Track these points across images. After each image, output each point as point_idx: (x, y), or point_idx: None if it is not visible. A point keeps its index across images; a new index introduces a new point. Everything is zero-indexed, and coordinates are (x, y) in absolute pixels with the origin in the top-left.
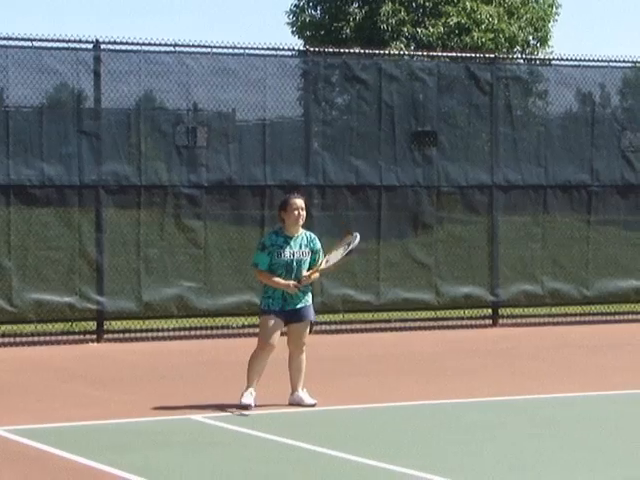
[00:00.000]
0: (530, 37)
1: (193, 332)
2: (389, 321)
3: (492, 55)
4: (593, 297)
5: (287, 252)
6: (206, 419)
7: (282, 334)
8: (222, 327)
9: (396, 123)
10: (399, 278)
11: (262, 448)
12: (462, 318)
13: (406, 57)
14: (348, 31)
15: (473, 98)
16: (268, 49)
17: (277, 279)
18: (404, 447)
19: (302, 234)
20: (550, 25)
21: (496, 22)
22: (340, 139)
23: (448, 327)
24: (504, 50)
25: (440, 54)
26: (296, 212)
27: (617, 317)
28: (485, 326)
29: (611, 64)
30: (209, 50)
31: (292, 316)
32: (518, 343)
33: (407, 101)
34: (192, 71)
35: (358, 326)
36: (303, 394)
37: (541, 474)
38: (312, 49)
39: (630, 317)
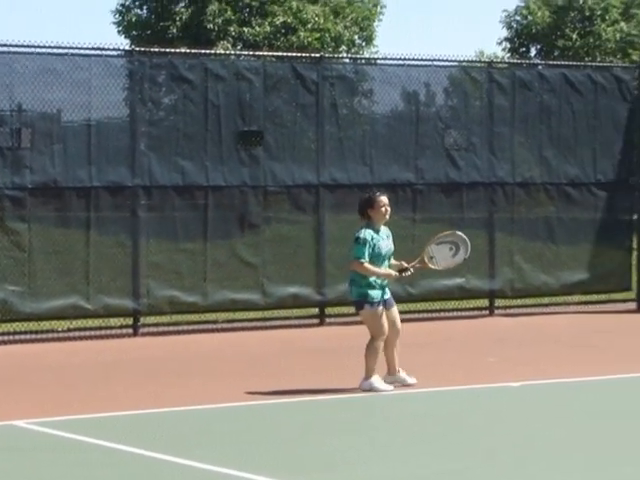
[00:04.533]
0: (355, 36)
1: (17, 336)
2: (216, 322)
3: (318, 54)
4: (418, 295)
5: (382, 244)
6: (29, 425)
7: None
8: (47, 331)
9: (222, 123)
10: (226, 279)
11: (84, 452)
12: (289, 318)
13: (232, 57)
14: (175, 31)
15: (299, 97)
16: (93, 49)
17: (383, 270)
18: (224, 448)
19: (383, 228)
20: (375, 25)
21: (322, 22)
22: (166, 139)
23: (275, 327)
24: (330, 49)
25: (266, 54)
26: (383, 208)
27: (442, 314)
28: (312, 325)
29: (435, 63)
30: (33, 50)
31: (387, 304)
32: (345, 342)
33: (233, 101)
34: (15, 71)
35: (185, 327)
36: (404, 375)
37: (353, 472)
38: (138, 49)
39: (454, 314)
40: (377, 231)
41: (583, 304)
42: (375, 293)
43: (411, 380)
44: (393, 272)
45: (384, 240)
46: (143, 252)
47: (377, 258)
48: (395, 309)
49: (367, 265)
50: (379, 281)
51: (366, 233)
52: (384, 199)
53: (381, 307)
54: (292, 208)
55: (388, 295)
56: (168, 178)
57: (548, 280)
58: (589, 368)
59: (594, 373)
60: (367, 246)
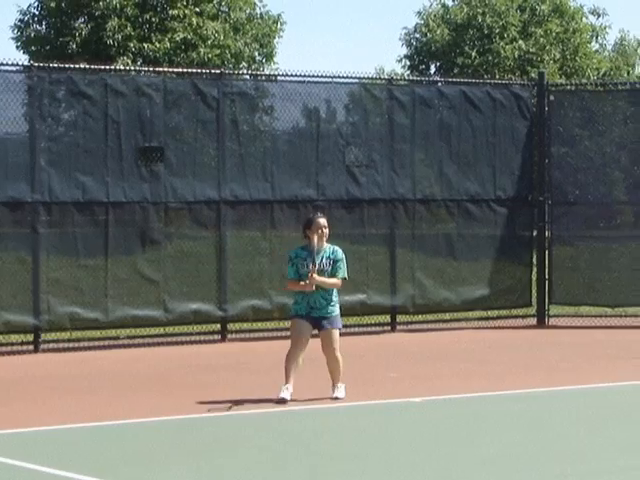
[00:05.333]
0: (256, 53)
1: None
2: (118, 338)
3: (218, 71)
4: None
5: (305, 264)
6: None
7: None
8: None
9: (123, 139)
10: (127, 295)
11: None
12: (191, 334)
13: (132, 72)
14: (74, 46)
15: (200, 114)
16: None
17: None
18: (127, 465)
19: (326, 247)
20: (275, 41)
21: (222, 38)
22: (66, 155)
23: (177, 343)
24: (230, 66)
25: (166, 70)
26: (319, 230)
27: (344, 330)
28: (214, 341)
29: (336, 80)
30: None
31: (319, 323)
32: (247, 358)
33: (134, 117)
34: None
35: (86, 344)
36: (336, 389)
37: None
38: (37, 64)
39: (356, 330)
40: (310, 252)
41: (484, 320)
42: (296, 307)
43: (336, 393)
44: (302, 282)
45: (304, 261)
46: (43, 268)
47: (304, 277)
48: (330, 331)
49: (290, 281)
50: (305, 299)
51: (291, 252)
52: (320, 221)
53: (299, 320)
54: (193, 224)
55: (326, 315)
56: (68, 194)
57: (449, 296)
58: (490, 383)
59: (494, 388)
60: (290, 264)
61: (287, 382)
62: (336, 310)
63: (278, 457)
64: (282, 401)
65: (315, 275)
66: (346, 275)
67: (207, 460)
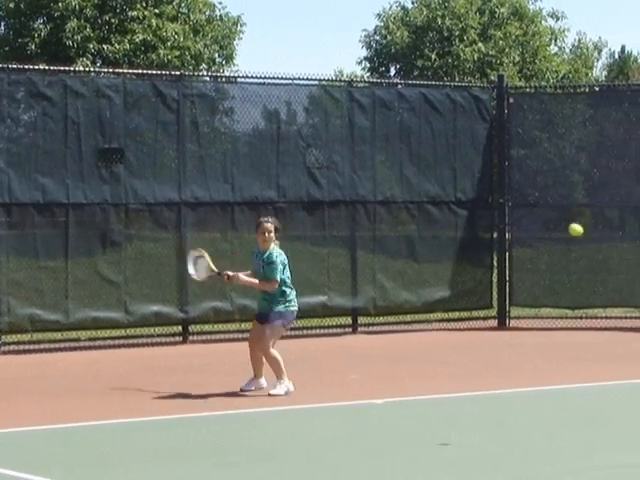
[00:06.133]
0: (216, 55)
1: None
2: (78, 340)
3: (178, 72)
4: None
5: (255, 264)
6: None
7: None
8: None
9: (83, 140)
10: (88, 297)
11: None
12: (152, 336)
13: (92, 74)
14: (33, 47)
15: (160, 115)
16: None
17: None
18: (85, 467)
19: (270, 249)
20: (235, 43)
21: (182, 39)
22: (26, 157)
23: (138, 345)
24: (190, 67)
25: (126, 71)
26: (264, 234)
27: (305, 332)
28: (175, 343)
29: (296, 82)
30: None
31: (261, 320)
32: (209, 359)
33: (93, 118)
34: None
35: (47, 345)
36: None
37: None
38: None
39: (317, 332)
40: (257, 255)
41: (445, 321)
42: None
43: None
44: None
45: (254, 261)
46: (3, 270)
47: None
48: (262, 328)
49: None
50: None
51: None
52: (266, 226)
53: (254, 321)
54: (154, 226)
55: (262, 312)
56: (28, 195)
57: (410, 298)
58: (450, 384)
59: (455, 390)
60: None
61: (255, 376)
62: (276, 307)
63: (235, 459)
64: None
65: (236, 274)
66: (277, 277)
67: (170, 462)
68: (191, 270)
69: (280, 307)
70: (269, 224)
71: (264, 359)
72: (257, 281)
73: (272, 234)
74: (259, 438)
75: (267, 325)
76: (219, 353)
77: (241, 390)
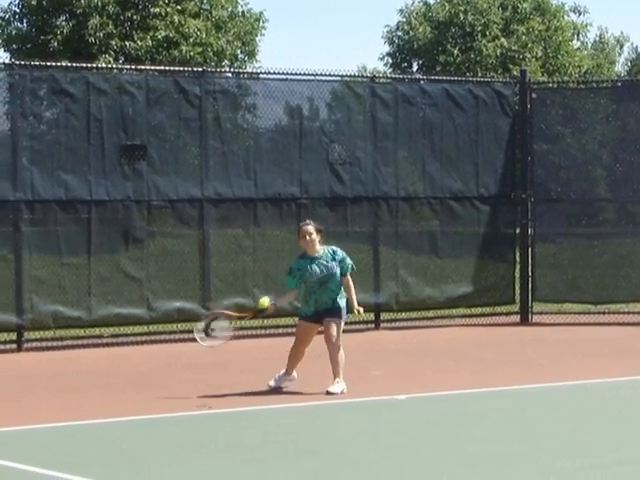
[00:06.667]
0: (238, 51)
1: None
2: (101, 337)
3: (200, 69)
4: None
5: (314, 271)
6: None
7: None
8: None
9: (105, 137)
10: (110, 293)
11: None
12: (175, 332)
13: (114, 70)
14: (56, 44)
15: (182, 112)
16: None
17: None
18: (112, 464)
19: (324, 251)
20: (258, 39)
21: (204, 36)
22: (49, 153)
23: (161, 341)
24: (212, 64)
25: (149, 67)
26: (306, 237)
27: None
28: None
29: (318, 78)
30: None
31: (323, 317)
32: (232, 356)
33: (116, 115)
34: None
35: (70, 342)
36: (334, 383)
37: None
38: (18, 62)
39: None
40: (312, 259)
41: (467, 317)
42: (305, 309)
43: (332, 389)
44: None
45: (320, 266)
46: (26, 267)
47: (312, 284)
48: (329, 323)
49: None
50: (312, 297)
51: (293, 263)
52: (305, 229)
53: (305, 323)
54: (176, 222)
55: (328, 307)
56: (51, 192)
57: (433, 293)
58: (473, 380)
59: (478, 385)
60: (291, 276)
61: (287, 372)
62: (341, 303)
63: (261, 455)
64: (276, 388)
65: (359, 309)
66: (353, 267)
67: (192, 458)
68: (210, 342)
69: (343, 302)
70: (308, 226)
71: (329, 354)
72: (352, 287)
73: (314, 235)
74: (284, 434)
75: (337, 320)
76: (242, 349)
77: (273, 388)
